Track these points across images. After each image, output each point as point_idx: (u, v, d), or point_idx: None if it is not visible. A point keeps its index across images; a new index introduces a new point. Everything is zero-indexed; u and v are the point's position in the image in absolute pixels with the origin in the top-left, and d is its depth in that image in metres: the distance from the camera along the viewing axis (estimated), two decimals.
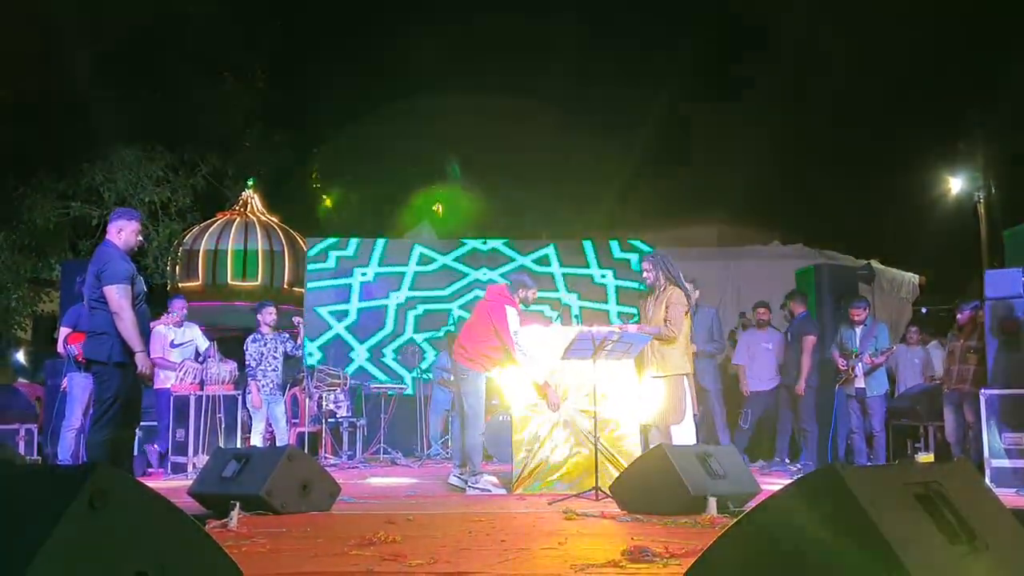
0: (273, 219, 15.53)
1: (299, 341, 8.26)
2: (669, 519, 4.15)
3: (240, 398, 7.87)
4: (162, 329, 7.76)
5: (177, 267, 14.22)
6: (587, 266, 10.90)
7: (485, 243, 11.01)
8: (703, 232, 13.91)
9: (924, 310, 14.69)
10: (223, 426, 7.63)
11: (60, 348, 7.10)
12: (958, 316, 7.21)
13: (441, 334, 10.25)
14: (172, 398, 7.53)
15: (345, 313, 10.47)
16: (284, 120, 17.15)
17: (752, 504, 3.84)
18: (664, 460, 4.45)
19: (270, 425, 7.79)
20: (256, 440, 7.64)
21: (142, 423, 6.32)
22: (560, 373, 6.01)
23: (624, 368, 6.04)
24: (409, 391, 9.95)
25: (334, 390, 8.89)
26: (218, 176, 14.06)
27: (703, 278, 7.72)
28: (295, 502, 4.50)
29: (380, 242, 10.92)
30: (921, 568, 1.63)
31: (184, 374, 7.52)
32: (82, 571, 1.70)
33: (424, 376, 9.86)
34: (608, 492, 4.94)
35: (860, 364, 7.31)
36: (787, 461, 8.05)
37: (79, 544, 1.69)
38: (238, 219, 15.04)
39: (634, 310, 9.72)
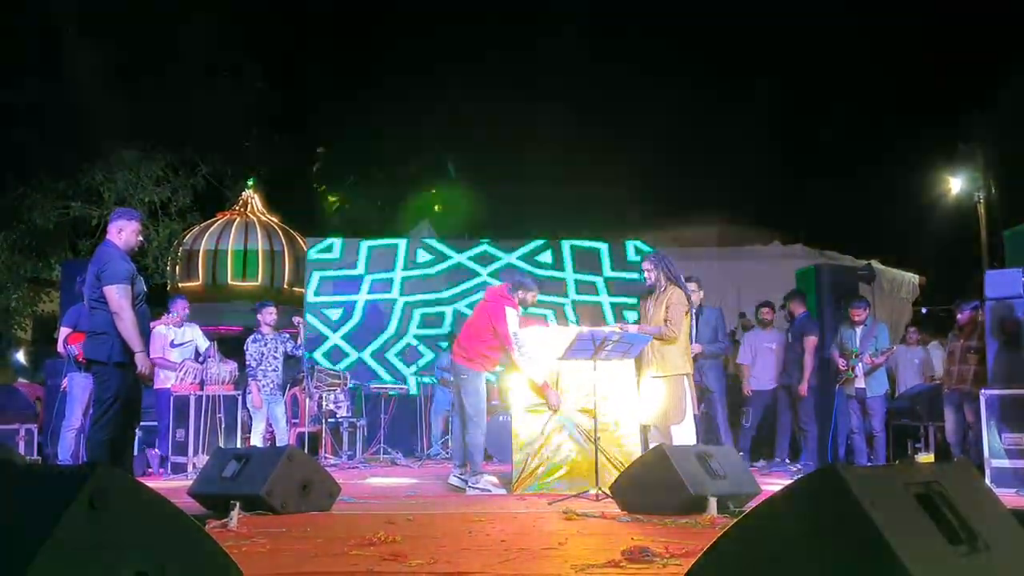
0: (273, 219, 15.53)
1: (299, 341, 8.27)
2: (669, 519, 4.14)
3: (240, 398, 7.87)
4: (162, 329, 7.76)
5: (177, 267, 14.22)
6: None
7: (480, 244, 10.99)
8: (703, 232, 13.92)
9: (924, 310, 14.69)
10: (223, 426, 7.63)
11: (60, 348, 7.10)
12: (958, 316, 7.21)
13: (444, 333, 10.27)
14: (172, 398, 7.53)
15: (348, 317, 10.47)
16: (284, 120, 17.16)
17: (752, 504, 3.84)
18: (664, 460, 4.45)
19: (270, 425, 7.79)
20: (256, 440, 7.64)
21: (142, 423, 6.32)
22: (560, 373, 6.01)
23: (624, 368, 6.04)
24: (413, 391, 9.95)
25: (334, 390, 8.89)
26: (218, 176, 14.07)
27: (703, 278, 7.73)
28: (295, 502, 4.50)
29: (400, 242, 10.90)
30: (921, 569, 1.63)
31: (184, 374, 7.51)
32: (82, 571, 1.69)
33: (423, 379, 9.87)
34: (608, 492, 4.94)
35: (860, 364, 7.31)
36: (787, 461, 8.05)
37: (79, 544, 1.69)
38: (238, 219, 15.04)
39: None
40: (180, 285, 13.94)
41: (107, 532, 1.76)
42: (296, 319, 8.70)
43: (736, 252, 12.49)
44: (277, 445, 7.43)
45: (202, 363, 7.69)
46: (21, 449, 7.73)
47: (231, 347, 8.58)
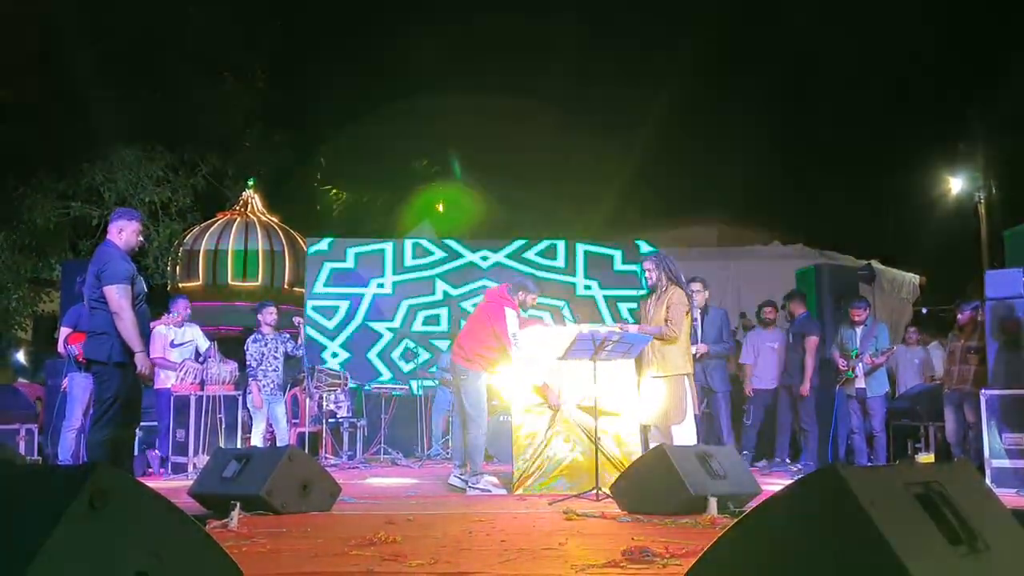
0: (273, 219, 15.51)
1: (299, 341, 8.27)
2: (669, 519, 4.15)
3: (240, 398, 7.86)
4: (162, 329, 7.76)
5: (177, 267, 14.21)
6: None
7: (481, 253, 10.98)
8: (703, 232, 13.92)
9: (924, 310, 14.68)
10: (223, 426, 7.63)
11: (60, 348, 7.10)
12: (958, 316, 7.21)
13: (444, 332, 10.28)
14: (172, 398, 7.53)
15: (351, 316, 10.47)
16: (284, 120, 17.14)
17: (752, 504, 3.84)
18: (664, 460, 4.45)
19: (271, 425, 7.79)
20: (256, 440, 7.64)
21: (142, 423, 6.32)
22: (560, 373, 6.01)
23: (624, 368, 6.04)
24: (414, 391, 9.95)
25: (334, 390, 8.89)
26: (218, 176, 14.06)
27: (703, 278, 7.73)
28: (295, 502, 4.50)
29: (407, 243, 10.90)
30: (921, 569, 1.63)
31: (184, 374, 7.51)
32: (82, 571, 1.70)
33: (423, 381, 9.87)
34: (608, 492, 4.94)
35: (860, 364, 7.31)
36: (787, 461, 8.04)
37: (79, 544, 1.69)
38: (238, 219, 15.03)
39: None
40: (180, 285, 13.93)
41: (107, 532, 1.76)
42: (296, 319, 8.70)
43: (736, 252, 12.48)
44: (277, 445, 7.43)
45: (202, 363, 7.69)
46: (21, 449, 7.72)
47: (231, 347, 8.58)
